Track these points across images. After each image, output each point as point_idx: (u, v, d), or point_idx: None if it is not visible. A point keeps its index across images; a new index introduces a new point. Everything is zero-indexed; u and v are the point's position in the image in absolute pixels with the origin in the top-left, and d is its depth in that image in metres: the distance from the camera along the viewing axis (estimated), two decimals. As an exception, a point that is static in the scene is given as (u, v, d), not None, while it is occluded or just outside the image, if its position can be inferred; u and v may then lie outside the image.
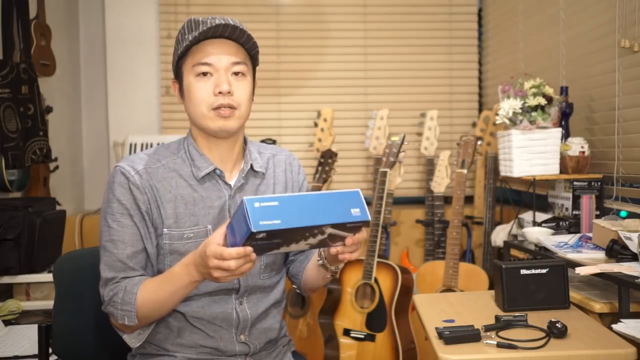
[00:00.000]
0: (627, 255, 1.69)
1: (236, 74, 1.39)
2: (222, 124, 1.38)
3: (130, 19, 3.60)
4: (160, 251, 1.40)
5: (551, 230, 2.21)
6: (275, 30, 3.59)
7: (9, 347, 1.90)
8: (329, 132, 3.22)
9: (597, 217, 2.23)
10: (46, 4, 3.04)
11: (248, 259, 1.14)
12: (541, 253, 2.03)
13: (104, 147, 3.65)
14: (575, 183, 2.34)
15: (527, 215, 2.53)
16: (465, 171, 2.81)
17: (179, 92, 1.44)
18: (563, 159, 2.40)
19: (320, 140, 3.22)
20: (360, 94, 3.62)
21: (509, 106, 2.41)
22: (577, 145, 2.37)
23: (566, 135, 2.46)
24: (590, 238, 1.96)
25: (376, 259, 2.78)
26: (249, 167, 1.46)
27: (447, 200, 3.18)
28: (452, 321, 1.50)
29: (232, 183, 1.44)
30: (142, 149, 3.17)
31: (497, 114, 2.50)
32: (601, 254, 1.83)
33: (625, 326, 1.38)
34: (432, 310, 1.62)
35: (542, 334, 1.38)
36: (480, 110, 3.65)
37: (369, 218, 1.14)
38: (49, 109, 3.08)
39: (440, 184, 3.08)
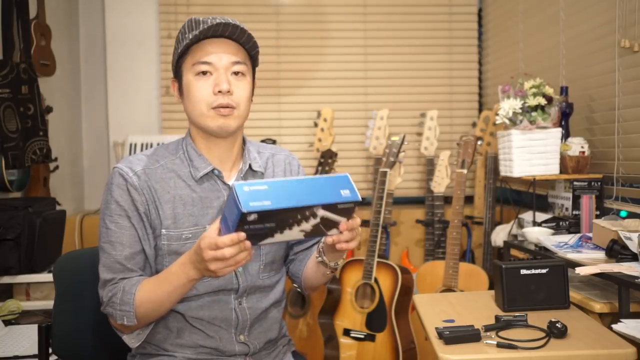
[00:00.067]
0: (627, 255, 1.69)
1: (236, 73, 1.39)
2: (222, 122, 1.38)
3: (130, 19, 3.60)
4: (159, 252, 1.40)
5: (551, 230, 2.21)
6: (275, 30, 3.59)
7: (9, 347, 1.90)
8: (329, 132, 3.22)
9: (597, 217, 2.23)
10: (46, 4, 3.05)
11: (243, 247, 1.13)
12: (541, 253, 2.03)
13: (104, 147, 3.65)
14: (575, 183, 2.34)
15: (527, 215, 2.53)
16: (465, 171, 2.81)
17: (178, 91, 1.44)
18: (563, 159, 2.40)
19: (320, 140, 3.22)
20: (360, 94, 3.62)
21: (509, 106, 2.41)
22: (577, 145, 2.37)
23: (566, 135, 2.46)
24: (590, 238, 1.96)
25: (376, 259, 2.78)
26: (247, 166, 1.46)
27: (447, 200, 3.18)
28: (452, 321, 1.50)
29: (230, 183, 1.44)
30: (142, 149, 3.17)
31: (497, 114, 2.50)
32: (601, 254, 1.83)
33: (625, 326, 1.38)
34: (432, 310, 1.62)
35: (542, 334, 1.38)
36: (480, 110, 3.65)
37: (359, 198, 1.14)
38: (49, 109, 3.08)
39: (440, 184, 3.08)
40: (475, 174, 3.30)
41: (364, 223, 3.05)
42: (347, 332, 2.80)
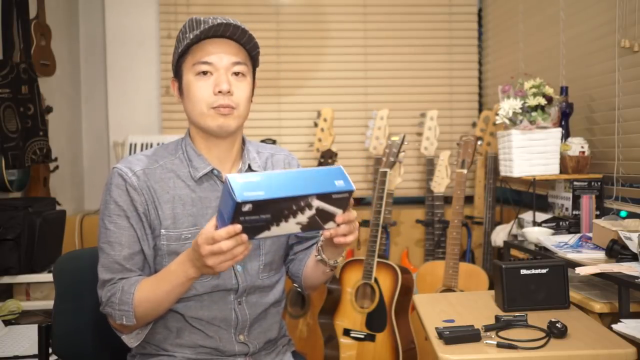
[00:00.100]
0: (627, 255, 1.69)
1: (236, 74, 1.39)
2: (222, 122, 1.38)
3: (130, 19, 3.60)
4: (158, 252, 1.40)
5: (551, 230, 2.21)
6: (275, 30, 3.59)
7: (9, 347, 1.90)
8: (329, 132, 3.22)
9: (597, 217, 2.23)
10: (46, 4, 3.05)
11: (239, 240, 1.12)
12: (541, 253, 2.03)
13: (104, 147, 3.65)
14: (575, 183, 2.34)
15: (527, 215, 2.53)
16: (465, 171, 2.81)
17: (178, 91, 1.44)
18: (563, 159, 2.40)
19: (320, 140, 3.22)
20: (360, 94, 3.62)
21: (509, 106, 2.41)
22: (577, 145, 2.37)
23: (566, 135, 2.46)
24: (590, 238, 1.96)
25: (376, 259, 2.78)
26: (246, 166, 1.46)
27: (447, 200, 3.18)
28: (452, 321, 1.50)
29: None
30: (142, 149, 3.17)
31: (497, 114, 2.50)
32: (601, 254, 1.83)
33: (625, 326, 1.38)
34: (432, 310, 1.62)
35: (542, 334, 1.38)
36: (480, 110, 3.65)
37: (353, 188, 1.14)
38: (49, 109, 3.08)
39: (440, 184, 3.08)
40: (475, 174, 3.30)
41: (364, 223, 3.06)
42: (347, 332, 2.80)
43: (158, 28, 3.59)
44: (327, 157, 3.08)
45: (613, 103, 2.28)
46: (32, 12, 2.93)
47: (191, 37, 1.34)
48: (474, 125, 3.50)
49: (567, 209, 2.43)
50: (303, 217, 1.14)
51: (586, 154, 2.38)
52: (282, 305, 1.55)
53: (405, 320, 2.78)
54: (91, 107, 3.68)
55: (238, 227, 1.10)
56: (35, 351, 1.61)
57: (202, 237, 1.16)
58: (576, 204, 2.32)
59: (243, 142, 1.50)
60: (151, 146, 2.85)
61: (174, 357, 1.41)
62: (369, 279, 2.78)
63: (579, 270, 1.64)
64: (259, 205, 1.07)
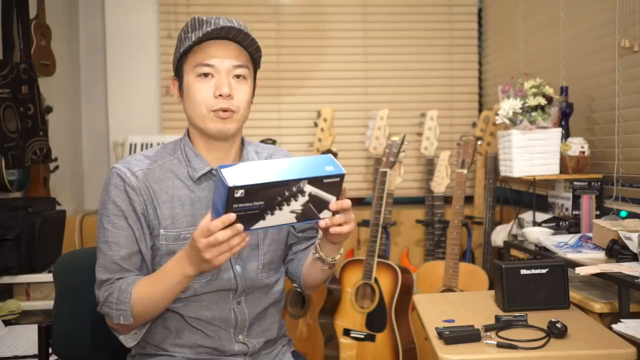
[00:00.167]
0: (627, 255, 1.69)
1: (237, 76, 1.39)
2: (221, 126, 1.38)
3: (130, 19, 3.60)
4: (157, 252, 1.40)
5: (551, 230, 2.21)
6: (275, 30, 3.59)
7: (9, 347, 1.90)
8: (329, 132, 3.22)
9: (597, 217, 2.23)
10: (46, 4, 3.05)
11: (235, 229, 1.13)
12: (541, 253, 2.03)
13: (104, 147, 3.65)
14: (575, 183, 2.34)
15: (527, 215, 2.53)
16: (465, 171, 2.81)
17: (178, 90, 1.44)
18: (563, 159, 2.40)
19: (320, 140, 3.22)
20: (360, 94, 3.62)
21: (509, 106, 2.41)
22: (577, 145, 2.37)
23: (566, 135, 2.46)
24: (590, 238, 1.96)
25: (376, 259, 2.78)
26: None
27: (447, 200, 3.18)
28: (452, 321, 1.50)
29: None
30: (142, 149, 3.17)
31: (497, 114, 2.50)
32: (601, 254, 1.83)
33: (625, 326, 1.38)
34: (432, 310, 1.62)
35: (542, 334, 1.38)
36: (480, 110, 3.65)
37: (343, 171, 1.16)
38: (49, 109, 3.08)
39: (440, 184, 3.08)
40: (475, 174, 3.30)
41: (364, 223, 3.06)
42: (347, 332, 2.80)
43: (158, 28, 3.59)
44: (327, 157, 3.08)
45: (613, 103, 2.28)
46: (32, 12, 2.93)
47: (193, 38, 1.34)
48: (474, 125, 3.50)
49: (567, 209, 2.43)
50: (297, 205, 1.15)
51: (586, 154, 2.38)
52: (282, 305, 1.55)
53: (405, 320, 2.78)
54: (91, 107, 3.68)
55: (232, 215, 1.11)
56: (35, 351, 1.61)
57: (197, 231, 1.17)
58: (576, 204, 2.32)
59: (242, 142, 1.50)
60: (151, 146, 2.85)
61: (173, 357, 1.41)
62: (369, 279, 2.78)
63: (579, 270, 1.64)
64: (252, 191, 1.09)
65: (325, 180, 1.15)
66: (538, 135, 2.40)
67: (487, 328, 1.42)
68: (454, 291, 2.67)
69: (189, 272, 1.26)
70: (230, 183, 1.07)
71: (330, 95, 3.58)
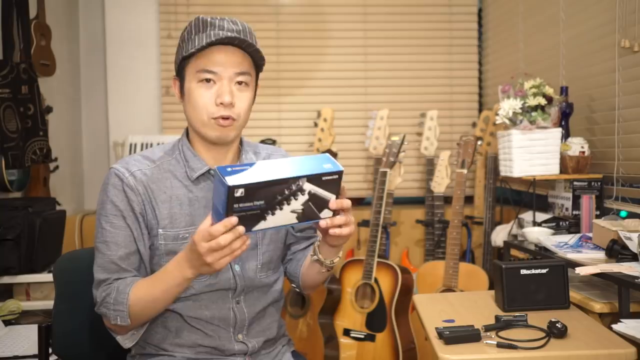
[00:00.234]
0: (627, 255, 1.69)
1: (239, 83, 1.38)
2: (220, 133, 1.38)
3: (130, 19, 3.60)
4: (155, 252, 1.40)
5: (551, 230, 2.21)
6: (275, 30, 3.59)
7: (9, 347, 1.90)
8: (329, 132, 3.22)
9: (597, 217, 2.23)
10: (46, 4, 3.05)
11: (237, 232, 1.13)
12: (541, 253, 2.03)
13: (104, 147, 3.65)
14: (575, 183, 2.34)
15: (527, 215, 2.53)
16: (465, 171, 2.81)
17: (179, 91, 1.44)
18: (563, 159, 2.40)
19: (320, 140, 3.22)
20: (360, 94, 3.62)
21: (509, 106, 2.41)
22: (577, 145, 2.37)
23: (566, 135, 2.46)
24: (590, 238, 1.96)
25: (376, 259, 2.78)
26: None
27: (447, 200, 3.18)
28: (452, 321, 1.50)
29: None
30: (142, 149, 3.17)
31: (497, 114, 2.50)
32: (601, 254, 1.83)
33: (625, 326, 1.38)
34: (432, 310, 1.62)
35: (542, 334, 1.38)
36: (480, 110, 3.65)
37: (341, 168, 1.17)
38: (49, 109, 3.08)
39: (440, 184, 3.08)
40: (475, 174, 3.30)
41: (364, 223, 3.06)
42: (347, 332, 2.80)
43: (158, 28, 3.59)
44: (327, 157, 3.08)
45: (613, 103, 2.28)
46: (32, 12, 2.93)
47: (197, 42, 1.33)
48: (474, 125, 3.50)
49: (567, 209, 2.43)
50: (297, 204, 1.15)
51: (586, 154, 2.38)
52: (281, 304, 1.55)
53: (405, 320, 2.78)
54: (91, 107, 3.68)
55: (234, 219, 1.11)
56: (35, 351, 1.61)
57: (198, 235, 1.16)
58: (576, 204, 2.32)
59: (240, 142, 1.50)
60: (151, 146, 2.85)
61: (173, 357, 1.41)
62: (369, 279, 2.78)
63: (579, 270, 1.64)
64: (251, 190, 1.09)
65: (324, 178, 1.15)
66: (538, 135, 2.40)
67: (487, 328, 1.42)
68: (454, 291, 2.67)
69: (189, 274, 1.26)
70: (230, 182, 1.07)
71: (330, 95, 3.58)
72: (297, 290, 1.60)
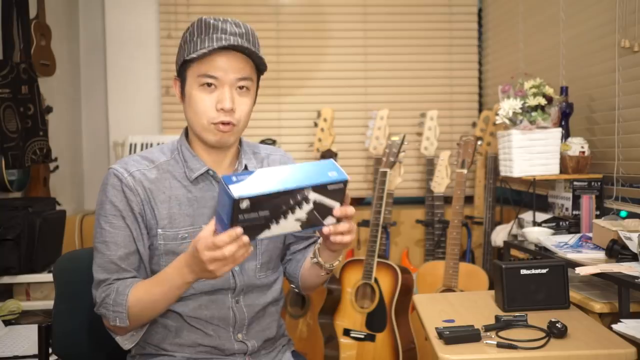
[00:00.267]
0: (627, 255, 1.69)
1: (241, 87, 1.38)
2: (220, 138, 1.38)
3: (130, 19, 3.60)
4: (155, 252, 1.40)
5: (551, 230, 2.21)
6: (275, 30, 3.59)
7: (9, 347, 1.90)
8: (329, 132, 3.22)
9: (597, 217, 2.23)
10: (46, 4, 3.05)
11: (241, 243, 1.12)
12: (541, 253, 2.03)
13: (104, 147, 3.65)
14: (575, 183, 2.34)
15: (527, 215, 2.53)
16: (465, 171, 2.81)
17: (180, 93, 1.44)
18: (563, 159, 2.40)
19: (320, 140, 3.22)
20: (360, 94, 3.62)
21: (509, 106, 2.41)
22: (577, 145, 2.37)
23: (566, 135, 2.46)
24: (590, 238, 1.96)
25: (376, 259, 2.78)
26: (242, 167, 1.46)
27: (447, 200, 3.18)
28: (452, 321, 1.50)
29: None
30: (142, 149, 3.17)
31: (497, 114, 2.50)
32: (601, 254, 1.83)
33: (625, 326, 1.38)
34: (432, 310, 1.62)
35: (542, 334, 1.38)
36: (480, 110, 3.65)
37: (347, 177, 1.16)
38: (49, 109, 3.08)
39: (440, 184, 3.08)
40: (475, 174, 3.30)
41: (364, 223, 3.06)
42: (347, 332, 2.80)
43: (158, 28, 3.59)
44: (327, 157, 3.08)
45: (613, 103, 2.28)
46: (32, 12, 2.93)
47: (199, 45, 1.32)
48: (474, 125, 3.50)
49: (567, 209, 2.43)
50: (302, 213, 1.14)
51: (586, 154, 2.38)
52: (281, 304, 1.55)
53: (405, 320, 2.78)
54: (91, 107, 3.68)
55: (239, 230, 1.11)
56: (35, 351, 1.61)
57: (201, 243, 1.16)
58: (576, 204, 2.32)
59: (240, 142, 1.50)
60: (151, 146, 2.85)
61: (173, 357, 1.41)
62: (369, 279, 2.78)
63: (579, 270, 1.64)
64: (257, 202, 1.08)
65: (329, 187, 1.14)
66: (538, 135, 2.40)
67: (487, 328, 1.42)
68: (454, 291, 2.67)
69: (189, 279, 1.26)
70: (236, 194, 1.05)
71: (330, 95, 3.58)
72: (297, 290, 1.60)
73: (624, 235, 1.70)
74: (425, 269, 2.85)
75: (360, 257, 2.87)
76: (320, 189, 1.13)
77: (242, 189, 1.07)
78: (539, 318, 1.47)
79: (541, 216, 2.42)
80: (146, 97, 3.62)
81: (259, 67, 1.42)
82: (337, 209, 1.19)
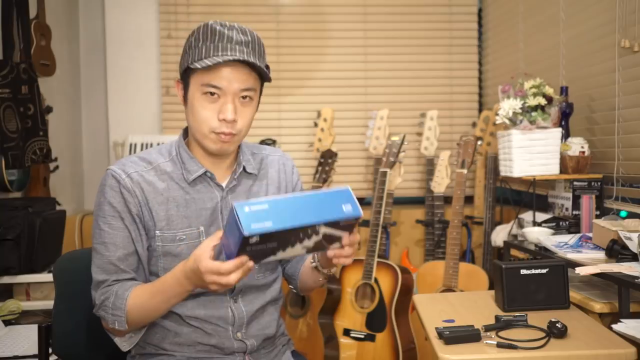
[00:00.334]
0: (627, 255, 1.69)
1: (244, 97, 1.37)
2: (220, 147, 1.38)
3: (130, 19, 3.60)
4: (153, 253, 1.40)
5: (551, 230, 2.21)
6: (275, 30, 3.59)
7: (9, 347, 1.90)
8: (329, 132, 3.22)
9: (597, 217, 2.23)
10: (46, 4, 3.05)
11: (246, 269, 1.15)
12: (541, 253, 2.03)
13: (104, 147, 3.65)
14: (575, 183, 2.34)
15: (527, 215, 2.53)
16: (465, 171, 2.81)
17: (182, 96, 1.43)
18: (563, 159, 2.40)
19: (320, 140, 3.22)
20: (360, 94, 3.62)
21: (509, 106, 2.41)
22: (577, 145, 2.37)
23: (566, 135, 2.46)
24: (590, 238, 1.96)
25: (376, 259, 2.78)
26: (241, 168, 1.46)
27: (447, 200, 3.18)
28: (452, 321, 1.50)
29: (224, 184, 1.44)
30: (142, 149, 3.17)
31: (497, 114, 2.50)
32: (601, 254, 1.83)
33: (625, 326, 1.38)
34: (432, 310, 1.62)
35: (542, 334, 1.38)
36: (480, 110, 3.65)
37: (361, 213, 1.13)
38: (49, 109, 3.08)
39: (440, 184, 3.08)
40: (475, 174, 3.30)
41: (364, 223, 3.06)
42: (347, 332, 2.80)
43: (158, 28, 3.59)
44: (327, 157, 3.08)
45: (613, 103, 2.28)
46: (32, 12, 2.93)
47: (203, 56, 1.31)
48: (474, 125, 3.50)
49: (567, 209, 2.43)
50: (309, 242, 1.14)
51: (586, 154, 2.38)
52: (280, 303, 1.55)
53: (405, 320, 2.78)
54: (91, 107, 3.69)
55: (245, 259, 1.11)
56: (35, 351, 1.61)
57: (204, 265, 1.17)
58: (576, 204, 2.32)
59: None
60: (151, 146, 2.85)
61: (173, 356, 1.41)
62: (369, 279, 2.78)
63: (579, 270, 1.64)
64: (267, 236, 1.06)
65: (342, 223, 1.12)
66: (538, 135, 2.40)
67: (487, 328, 1.42)
68: (454, 291, 2.67)
69: (188, 288, 1.28)
70: (246, 231, 1.03)
71: (330, 95, 3.58)
72: (295, 291, 1.60)
73: (624, 235, 1.70)
74: (425, 269, 2.85)
75: (360, 257, 2.87)
76: (332, 223, 1.12)
77: (253, 223, 1.03)
78: (539, 318, 1.47)
79: (541, 216, 2.42)
80: (146, 97, 3.62)
81: (264, 76, 1.41)
82: (346, 237, 1.19)
